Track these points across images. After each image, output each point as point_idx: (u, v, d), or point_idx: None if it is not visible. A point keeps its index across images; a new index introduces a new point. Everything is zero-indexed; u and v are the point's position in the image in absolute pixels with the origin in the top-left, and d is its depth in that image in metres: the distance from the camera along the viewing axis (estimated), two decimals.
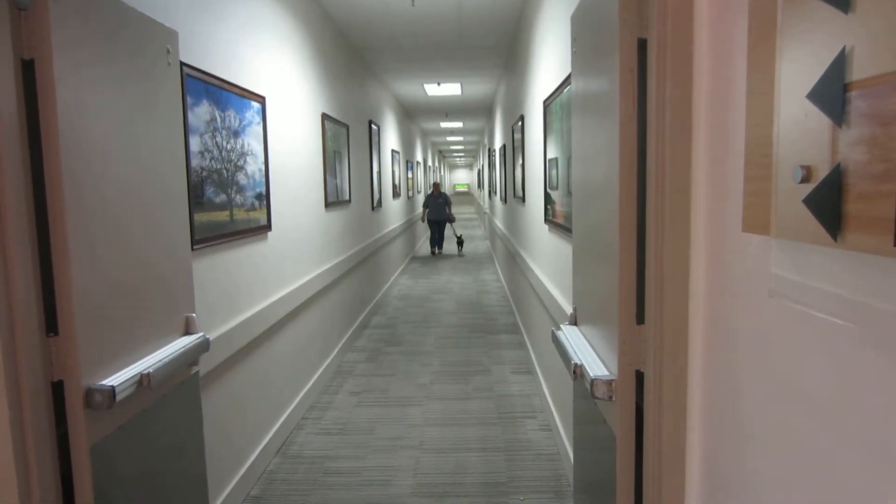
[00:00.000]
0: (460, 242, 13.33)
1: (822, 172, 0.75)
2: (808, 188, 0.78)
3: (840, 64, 0.71)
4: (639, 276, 1.45)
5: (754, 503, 1.04)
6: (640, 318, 1.46)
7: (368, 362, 5.43)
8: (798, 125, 0.80)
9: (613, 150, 1.47)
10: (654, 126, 1.32)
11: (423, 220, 13.54)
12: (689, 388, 1.35)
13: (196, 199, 2.63)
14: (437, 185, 13.02)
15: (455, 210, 32.38)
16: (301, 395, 4.20)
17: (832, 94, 0.73)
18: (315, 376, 4.58)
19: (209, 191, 2.77)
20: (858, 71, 0.69)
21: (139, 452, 1.89)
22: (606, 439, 1.66)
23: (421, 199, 15.77)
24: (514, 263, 6.68)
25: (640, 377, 1.48)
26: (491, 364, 5.29)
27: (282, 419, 3.76)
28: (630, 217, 1.43)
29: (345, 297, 5.77)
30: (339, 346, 5.44)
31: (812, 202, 0.77)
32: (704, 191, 1.20)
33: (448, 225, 13.51)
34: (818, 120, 0.75)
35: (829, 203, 0.73)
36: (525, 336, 5.76)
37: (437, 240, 13.31)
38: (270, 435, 3.53)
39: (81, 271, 1.62)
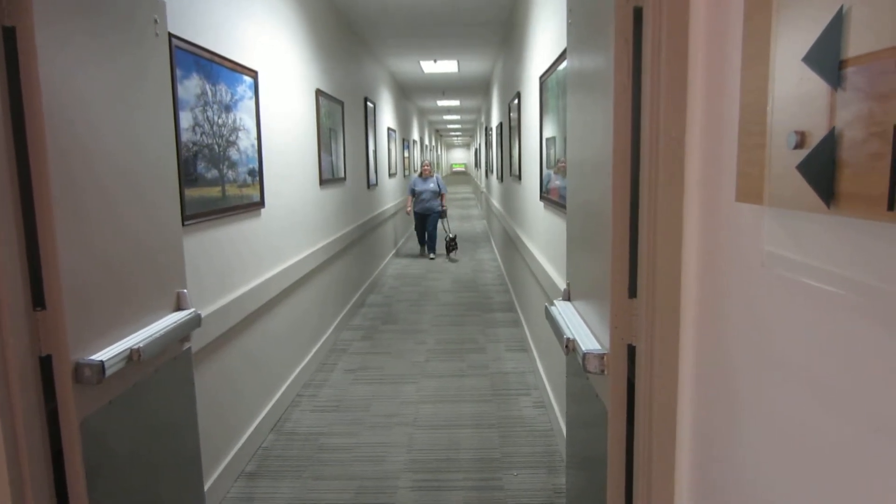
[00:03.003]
0: (452, 245, 9.87)
1: (816, 138, 0.74)
2: (802, 154, 0.76)
3: (837, 25, 0.69)
4: (631, 250, 1.44)
5: (746, 476, 1.04)
6: (633, 292, 1.44)
7: (364, 340, 5.44)
8: (793, 90, 0.78)
9: (608, 121, 1.45)
10: (648, 96, 1.30)
11: (407, 213, 10.08)
12: (681, 361, 1.34)
13: (187, 174, 2.60)
14: (427, 164, 9.83)
15: (452, 190, 31.82)
16: (296, 372, 4.20)
17: (828, 56, 0.71)
18: (310, 354, 4.58)
19: (200, 166, 2.74)
20: (856, 33, 0.67)
21: (131, 427, 1.89)
22: (598, 413, 1.66)
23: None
24: (511, 242, 6.66)
25: (632, 351, 1.48)
26: (486, 342, 5.30)
27: (276, 396, 3.76)
28: (623, 189, 1.42)
29: (340, 276, 5.75)
30: (335, 324, 5.44)
31: (805, 169, 0.75)
32: (699, 162, 1.18)
33: (440, 221, 9.96)
34: (813, 84, 0.73)
35: (823, 169, 0.72)
36: (520, 314, 5.77)
37: (425, 240, 10.06)
38: (265, 412, 3.54)
39: (68, 245, 1.60)
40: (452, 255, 9.87)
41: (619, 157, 1.41)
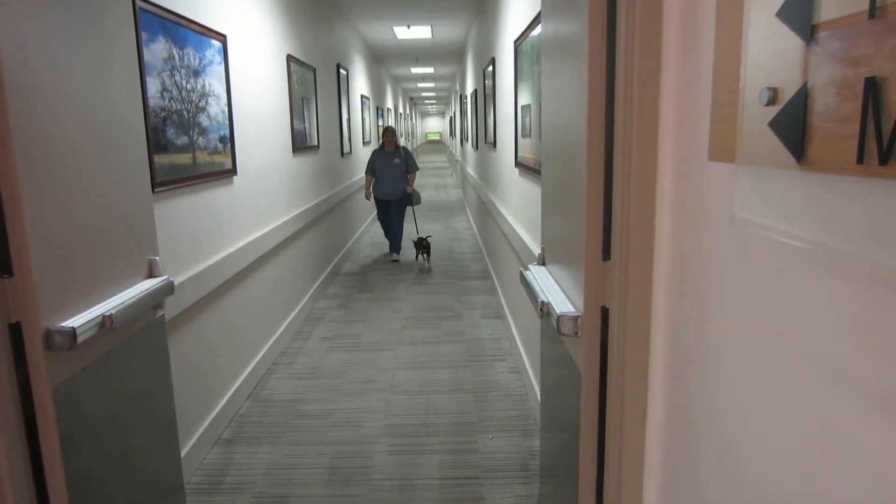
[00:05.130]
0: (423, 247, 7.00)
1: (788, 94, 0.74)
2: (774, 111, 0.77)
3: None
4: (605, 213, 1.45)
5: (716, 433, 1.07)
6: (606, 254, 1.46)
7: (339, 309, 5.43)
8: (766, 46, 0.79)
9: (583, 84, 1.44)
10: (623, 57, 1.29)
11: (366, 197, 7.58)
12: (654, 322, 1.36)
13: (156, 140, 2.54)
14: (390, 133, 7.39)
15: (427, 160, 31.20)
16: (272, 340, 4.19)
17: (801, 10, 0.71)
18: (286, 322, 4.57)
19: (170, 132, 2.68)
20: None
21: (105, 395, 1.87)
22: (572, 376, 1.69)
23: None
24: (486, 211, 6.67)
25: (605, 313, 1.50)
26: (462, 309, 5.33)
27: (252, 364, 3.76)
28: (598, 152, 1.42)
29: (315, 244, 5.72)
30: (310, 292, 5.42)
31: (777, 125, 0.76)
32: (672, 122, 1.18)
33: (409, 208, 7.80)
34: (787, 39, 0.74)
35: (794, 124, 0.72)
36: (496, 281, 5.81)
37: (390, 235, 7.53)
38: (241, 379, 3.53)
39: (35, 211, 1.56)
40: (422, 260, 7.08)
41: (593, 120, 1.41)
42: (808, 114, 0.70)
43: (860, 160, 0.62)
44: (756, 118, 0.82)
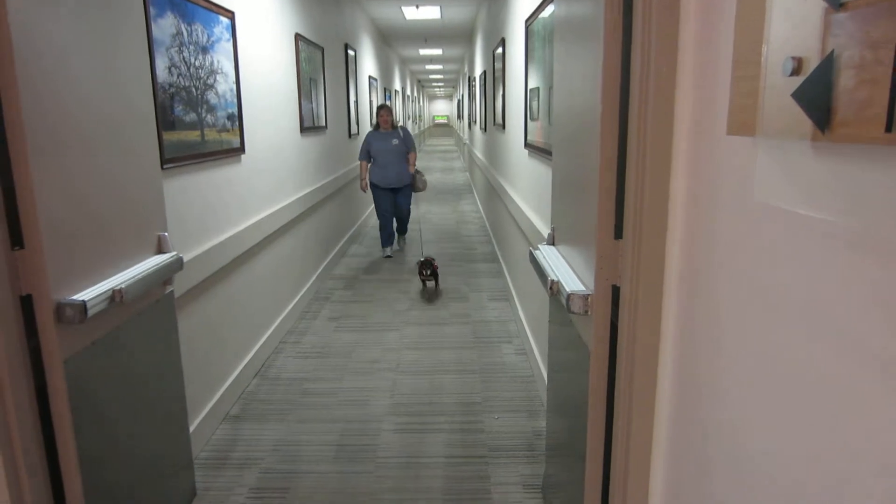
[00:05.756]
0: (427, 270, 5.29)
1: (813, 63, 0.73)
2: (798, 81, 0.75)
3: None
4: (618, 191, 1.44)
5: (725, 414, 1.06)
6: (619, 233, 1.45)
7: (346, 289, 5.44)
8: (791, 14, 0.77)
9: (597, 62, 1.42)
10: (639, 31, 1.27)
11: (363, 189, 6.61)
12: (665, 301, 1.35)
13: (165, 117, 2.53)
14: (385, 111, 6.53)
15: (433, 143, 31.17)
16: (279, 319, 4.21)
17: None
18: (293, 302, 4.58)
19: (178, 109, 2.67)
20: None
21: (115, 369, 1.88)
22: (581, 355, 1.69)
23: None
24: (494, 193, 6.64)
25: (616, 292, 1.49)
26: (469, 291, 5.33)
27: (260, 342, 3.77)
28: (612, 126, 1.40)
29: (322, 225, 5.72)
30: (317, 273, 5.43)
31: (801, 95, 0.75)
32: (690, 97, 1.17)
33: (413, 197, 6.91)
34: (813, 6, 0.72)
35: (819, 94, 0.71)
36: (503, 264, 5.80)
37: (389, 230, 6.64)
38: (249, 357, 3.55)
39: (45, 185, 1.56)
40: (430, 286, 5.45)
41: (607, 94, 1.39)
42: (833, 83, 0.69)
43: (889, 128, 0.60)
44: (778, 89, 0.80)
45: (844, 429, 0.73)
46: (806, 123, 0.74)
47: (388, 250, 6.66)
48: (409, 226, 7.28)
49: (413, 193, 6.84)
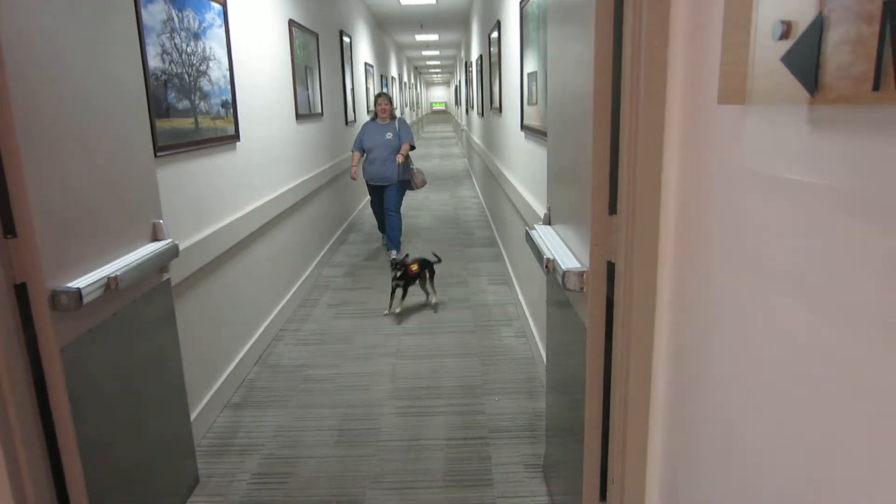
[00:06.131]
0: (401, 272, 4.33)
1: (802, 25, 0.72)
2: (787, 45, 0.75)
3: None
4: (612, 167, 1.43)
5: (721, 388, 1.06)
6: (613, 209, 1.44)
7: (346, 277, 5.44)
8: None
9: (589, 31, 1.41)
10: (630, 5, 1.26)
11: (352, 177, 6.18)
12: (660, 275, 1.35)
13: (157, 104, 2.52)
14: (384, 99, 6.02)
15: (431, 130, 30.97)
16: (279, 308, 4.21)
17: None
18: (292, 290, 4.58)
19: (171, 96, 2.65)
20: None
21: (113, 356, 1.88)
22: (577, 332, 1.69)
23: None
24: (492, 178, 6.63)
25: (611, 269, 1.49)
26: (468, 276, 5.33)
27: (260, 331, 3.78)
28: (604, 101, 1.39)
29: (320, 213, 5.71)
30: (316, 261, 5.43)
31: (790, 59, 0.74)
32: (681, 69, 1.16)
33: (406, 194, 6.39)
34: None
35: (808, 56, 0.70)
36: (502, 249, 5.80)
37: (385, 228, 6.26)
38: (249, 346, 3.55)
39: (37, 173, 1.55)
40: (431, 291, 4.55)
41: (600, 71, 1.38)
42: (822, 44, 0.68)
43: (876, 87, 0.60)
44: (768, 55, 0.79)
45: (842, 399, 0.73)
46: (796, 87, 0.74)
47: (387, 246, 6.24)
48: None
49: (407, 192, 6.28)
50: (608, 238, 1.47)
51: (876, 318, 0.65)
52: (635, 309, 1.40)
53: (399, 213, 6.14)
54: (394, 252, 5.82)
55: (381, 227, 6.49)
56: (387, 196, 6.08)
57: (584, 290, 1.54)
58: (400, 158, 5.90)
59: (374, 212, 6.52)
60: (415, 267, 4.34)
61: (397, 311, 4.31)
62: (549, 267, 1.71)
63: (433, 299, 4.53)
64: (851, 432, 0.70)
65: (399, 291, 4.35)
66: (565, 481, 2.03)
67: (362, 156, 6.05)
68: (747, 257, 0.94)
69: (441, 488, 2.42)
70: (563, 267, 1.58)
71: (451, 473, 2.51)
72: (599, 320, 1.52)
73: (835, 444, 0.73)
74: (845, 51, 0.65)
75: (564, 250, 1.77)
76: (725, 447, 1.04)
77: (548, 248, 1.81)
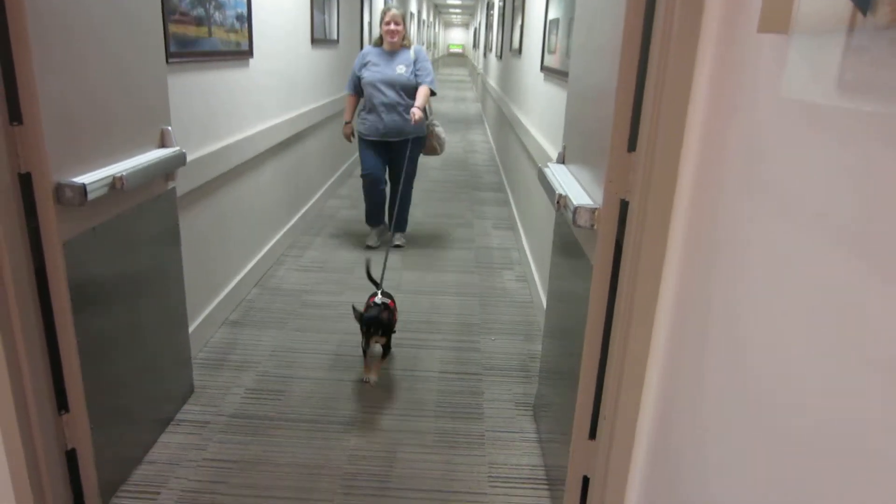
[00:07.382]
0: (380, 328, 2.63)
1: None
2: None
3: None
4: (636, 102, 1.38)
5: (726, 330, 1.05)
6: (632, 145, 1.40)
7: (351, 209, 5.42)
8: None
9: None
10: None
11: (346, 136, 4.30)
12: (674, 216, 1.32)
13: (170, 7, 2.44)
14: (394, 17, 4.03)
15: (448, 72, 30.02)
16: (282, 232, 4.20)
17: None
18: (296, 216, 4.57)
19: (185, 1, 2.57)
20: None
21: (116, 257, 1.88)
22: (583, 272, 1.67)
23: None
24: (505, 122, 6.52)
25: (624, 207, 1.46)
26: (473, 218, 5.31)
27: (261, 253, 3.78)
28: (635, 29, 1.33)
29: (329, 142, 5.64)
30: (322, 190, 5.39)
31: None
32: None
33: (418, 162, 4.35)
34: None
35: None
36: (509, 194, 5.75)
37: (376, 199, 4.31)
38: (249, 267, 3.56)
39: (47, 62, 1.51)
40: (377, 351, 2.79)
41: None
42: None
43: None
44: None
45: (861, 340, 0.71)
46: (846, 8, 0.69)
47: (374, 235, 4.44)
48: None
49: (422, 156, 4.37)
50: (624, 176, 1.43)
51: None
52: (645, 250, 1.38)
53: (411, 184, 4.39)
54: (373, 235, 4.43)
55: (374, 217, 4.40)
56: (396, 158, 4.18)
57: (595, 227, 1.51)
58: (417, 113, 3.91)
59: (367, 191, 4.28)
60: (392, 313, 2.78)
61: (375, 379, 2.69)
62: (561, 203, 1.68)
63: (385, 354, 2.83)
64: (864, 383, 0.69)
65: (377, 347, 2.76)
66: (555, 421, 2.05)
67: (358, 99, 4.23)
68: (769, 192, 0.91)
69: (432, 418, 2.46)
70: (575, 203, 1.55)
71: (442, 405, 2.55)
72: (607, 258, 1.50)
73: (848, 369, 0.72)
74: None
75: (577, 188, 1.74)
76: (726, 385, 1.03)
77: (560, 185, 1.78)
